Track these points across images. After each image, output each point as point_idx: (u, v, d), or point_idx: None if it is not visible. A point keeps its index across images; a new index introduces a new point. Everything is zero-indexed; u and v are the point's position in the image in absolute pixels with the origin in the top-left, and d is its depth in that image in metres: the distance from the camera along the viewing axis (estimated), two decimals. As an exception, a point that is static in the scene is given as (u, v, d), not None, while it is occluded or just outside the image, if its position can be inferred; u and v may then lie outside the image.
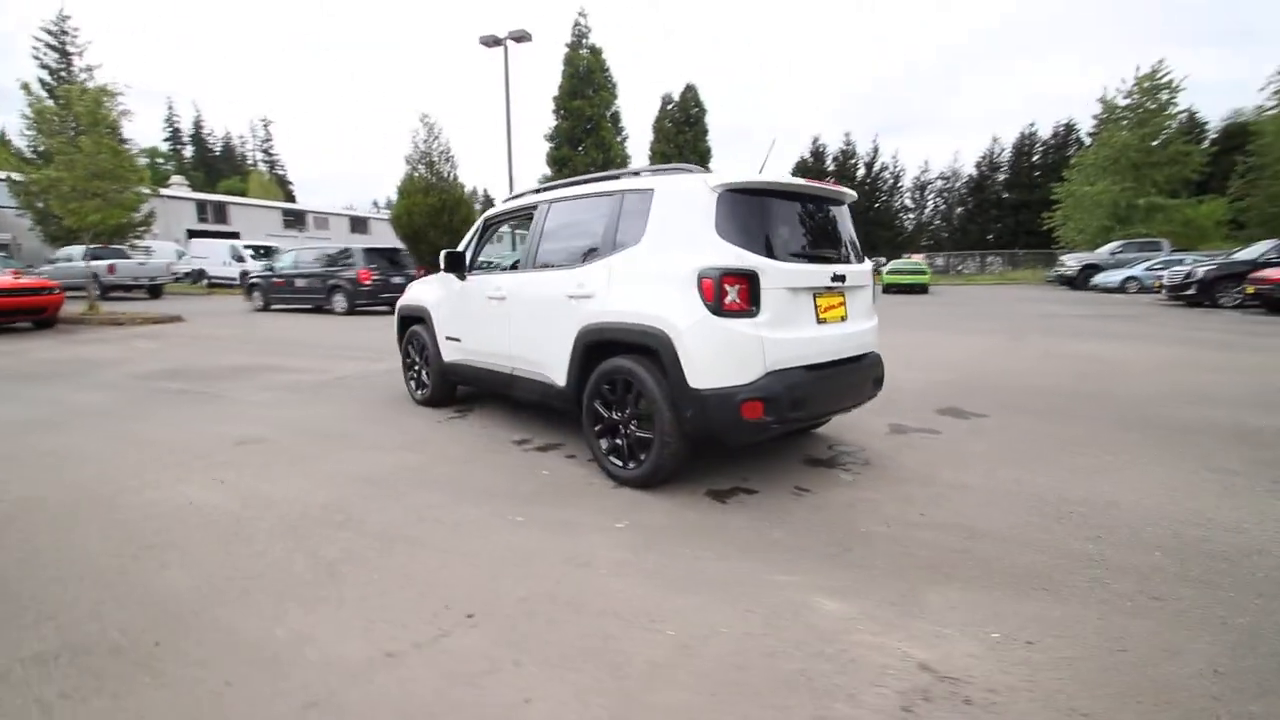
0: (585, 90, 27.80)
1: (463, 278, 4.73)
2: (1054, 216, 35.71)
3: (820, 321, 3.34)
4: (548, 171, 28.52)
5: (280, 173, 73.63)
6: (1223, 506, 3.15)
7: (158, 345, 9.69)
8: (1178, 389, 5.91)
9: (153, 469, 3.79)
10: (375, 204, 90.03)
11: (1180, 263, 19.89)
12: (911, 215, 57.48)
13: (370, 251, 15.46)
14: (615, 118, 29.23)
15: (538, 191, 4.46)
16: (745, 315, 3.02)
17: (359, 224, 54.22)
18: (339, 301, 14.95)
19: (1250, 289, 13.88)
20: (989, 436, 4.45)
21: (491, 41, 19.73)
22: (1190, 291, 16.06)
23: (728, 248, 3.06)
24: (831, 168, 58.91)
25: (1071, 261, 25.62)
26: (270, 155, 75.55)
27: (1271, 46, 68.61)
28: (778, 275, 3.10)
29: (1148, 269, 21.97)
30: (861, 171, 58.10)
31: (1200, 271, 15.86)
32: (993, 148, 52.95)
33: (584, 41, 29.07)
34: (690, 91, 36.20)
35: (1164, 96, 33.08)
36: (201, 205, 41.27)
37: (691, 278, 3.07)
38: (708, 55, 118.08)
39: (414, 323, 5.45)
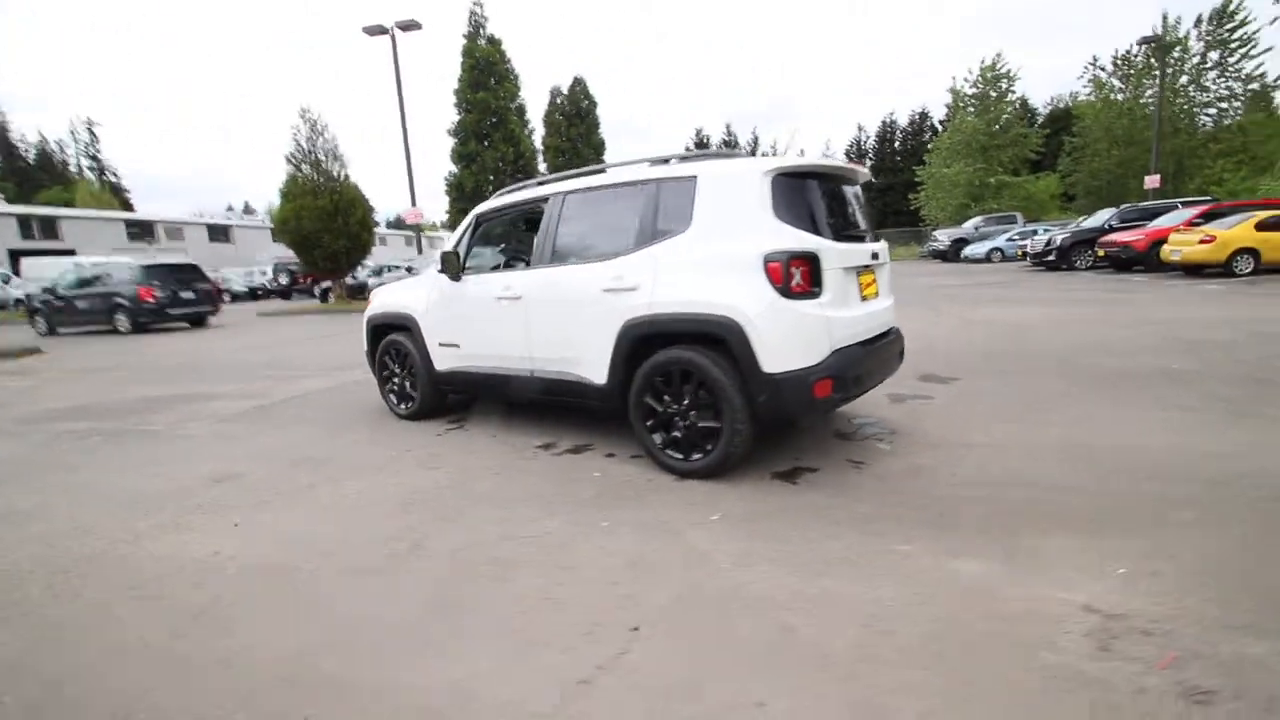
0: (487, 81, 26.63)
1: (457, 279, 4.42)
2: (919, 197, 39.22)
3: (863, 299, 3.46)
4: (454, 169, 27.19)
5: (113, 179, 64.78)
6: (1212, 437, 3.62)
7: (31, 382, 8.26)
8: (1088, 343, 6.68)
9: (135, 518, 3.23)
10: (232, 209, 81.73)
11: (1035, 233, 22.67)
12: (794, 200, 60.69)
13: (154, 268, 15.55)
14: (521, 110, 28.31)
15: (541, 184, 4.24)
16: (810, 297, 3.06)
17: (219, 232, 49.10)
18: (121, 321, 14.99)
19: (1101, 252, 16.01)
20: (974, 398, 4.81)
21: (376, 30, 18.48)
22: (1051, 257, 18.25)
23: (788, 230, 3.08)
24: (717, 157, 60.99)
25: (943, 236, 28.23)
26: (98, 161, 66.19)
27: (1085, 37, 79.12)
28: (834, 255, 3.16)
29: (1009, 240, 24.70)
30: (745, 160, 60.70)
31: (1059, 239, 18.06)
32: (859, 136, 57.09)
33: (482, 31, 27.92)
34: (579, 84, 35.94)
35: (1003, 85, 37.27)
36: (24, 220, 35.52)
37: (757, 262, 3.06)
38: (602, 47, 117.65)
39: (391, 332, 5.03)
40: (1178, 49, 30.08)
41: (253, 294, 31.98)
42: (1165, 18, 29.58)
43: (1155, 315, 8.34)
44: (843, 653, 1.89)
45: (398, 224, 64.35)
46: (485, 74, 26.43)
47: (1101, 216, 18.37)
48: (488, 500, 3.26)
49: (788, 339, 3.02)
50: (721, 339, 3.14)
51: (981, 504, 2.89)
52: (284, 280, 29.03)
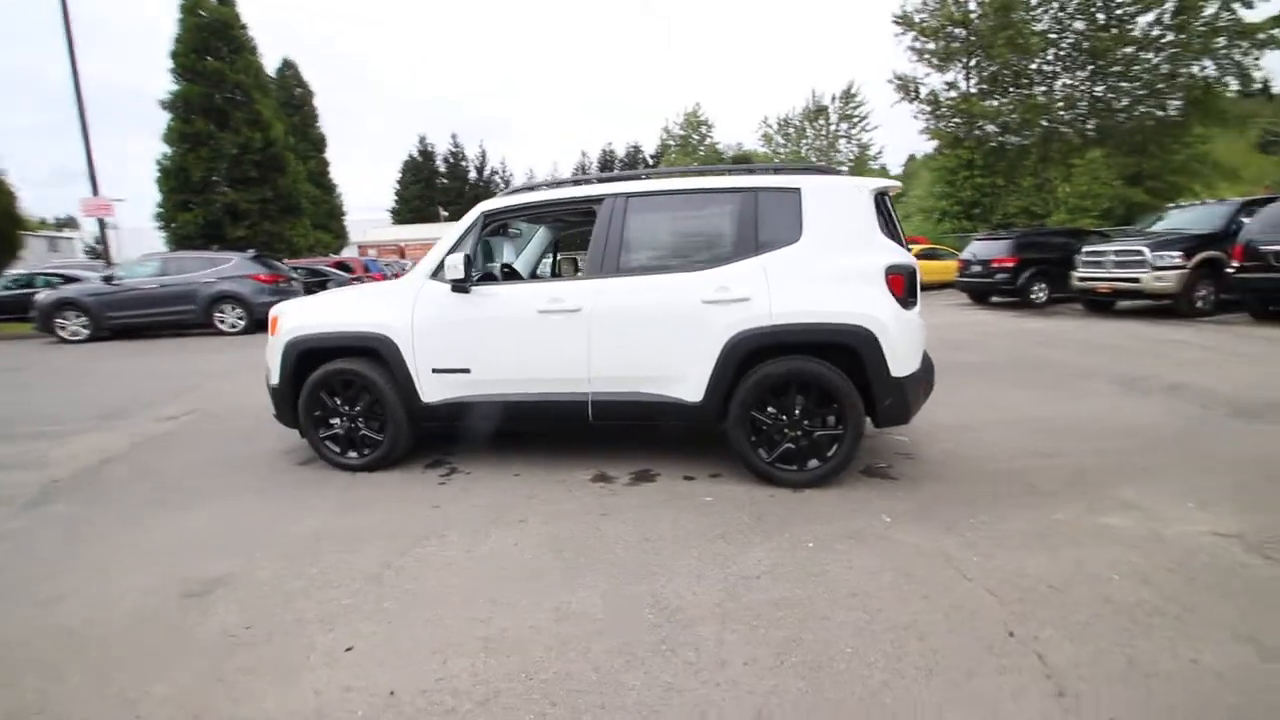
0: (218, 48, 20.74)
1: (466, 290, 3.61)
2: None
3: (914, 309, 3.92)
4: (167, 150, 20.58)
5: None
6: (1069, 405, 4.98)
7: None
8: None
9: (162, 668, 1.94)
10: None
11: None
12: (525, 218, 61.72)
13: None
14: (267, 89, 22.82)
15: (576, 183, 3.74)
16: (914, 306, 3.37)
17: None
18: None
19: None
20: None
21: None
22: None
23: (891, 244, 3.35)
24: (442, 168, 58.58)
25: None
26: None
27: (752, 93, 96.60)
28: (918, 268, 3.54)
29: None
30: (473, 174, 59.53)
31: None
32: (583, 160, 60.94)
33: (208, -18, 21.59)
34: (290, 69, 31.06)
35: (703, 130, 43.90)
36: None
37: (879, 274, 3.26)
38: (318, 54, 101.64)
39: (331, 359, 3.83)
40: (822, 118, 39.28)
41: None
42: (813, 92, 38.42)
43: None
44: (1176, 592, 2.21)
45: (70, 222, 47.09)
46: (217, 38, 20.63)
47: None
48: (649, 545, 2.80)
49: (908, 345, 3.29)
50: (850, 347, 3.25)
51: (1035, 473, 3.54)
52: None
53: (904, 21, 26.54)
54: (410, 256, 35.45)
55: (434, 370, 3.69)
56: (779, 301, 3.28)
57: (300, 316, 3.92)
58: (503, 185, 61.24)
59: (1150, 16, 22.61)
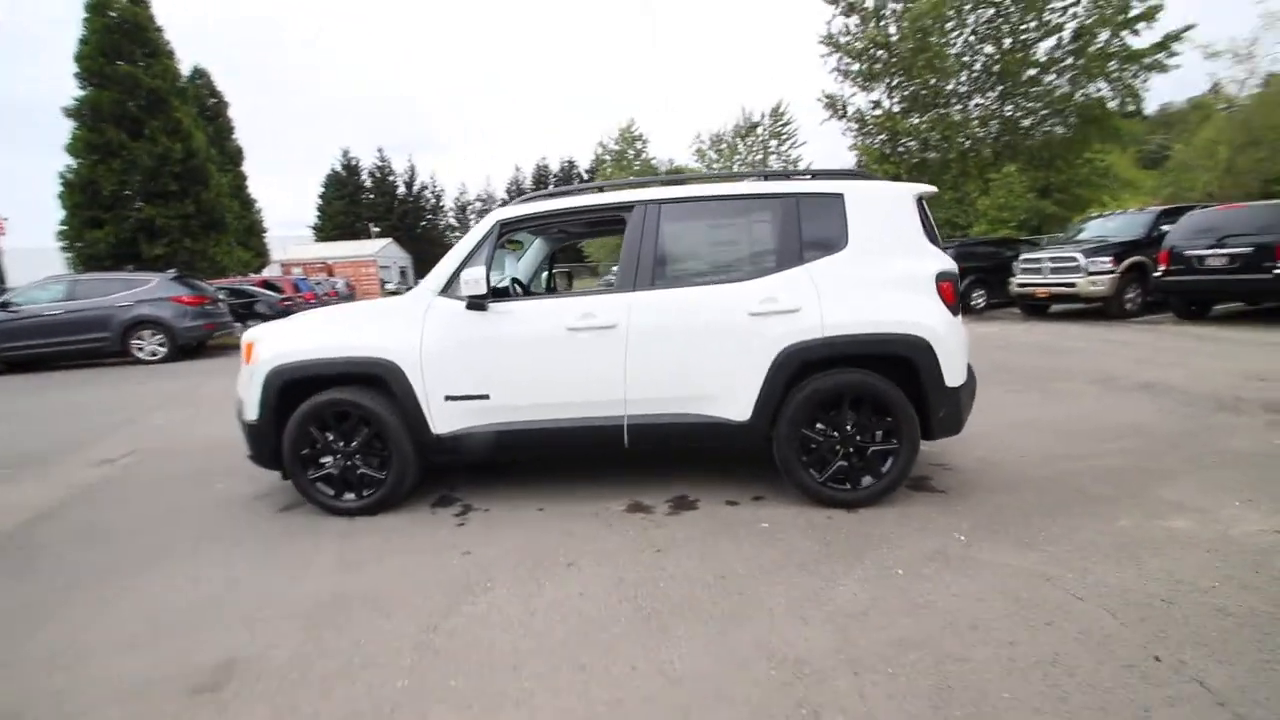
0: (131, 51, 18.69)
1: (484, 307, 3.25)
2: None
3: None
4: (71, 162, 18.32)
5: None
6: (1061, 408, 5.09)
7: None
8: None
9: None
10: None
11: None
12: (458, 233, 60.21)
13: None
14: (185, 95, 20.79)
15: (600, 190, 3.46)
16: (958, 313, 3.29)
17: None
18: None
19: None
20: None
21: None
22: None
23: (936, 250, 3.26)
24: (368, 183, 56.45)
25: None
26: None
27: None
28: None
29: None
30: (402, 189, 57.67)
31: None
32: (517, 175, 60.23)
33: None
34: (202, 78, 29.05)
35: (638, 145, 44.29)
36: None
37: (930, 282, 3.15)
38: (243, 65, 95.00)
39: (322, 388, 3.36)
40: (752, 135, 40.44)
41: None
42: (744, 109, 39.50)
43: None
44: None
45: None
46: (129, 40, 18.57)
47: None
48: (728, 584, 2.52)
49: (959, 354, 3.19)
50: (905, 358, 3.11)
51: (1078, 478, 3.52)
52: None
53: (830, 43, 27.75)
54: (339, 274, 33.75)
55: (447, 398, 3.29)
56: (831, 312, 3.11)
57: (282, 342, 3.43)
58: (433, 200, 59.71)
59: (1051, 41, 24.52)
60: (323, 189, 54.82)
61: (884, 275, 3.18)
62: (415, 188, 58.42)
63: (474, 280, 3.11)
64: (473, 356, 3.28)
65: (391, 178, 57.23)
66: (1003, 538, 2.81)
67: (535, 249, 4.76)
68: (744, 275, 3.25)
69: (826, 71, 28.02)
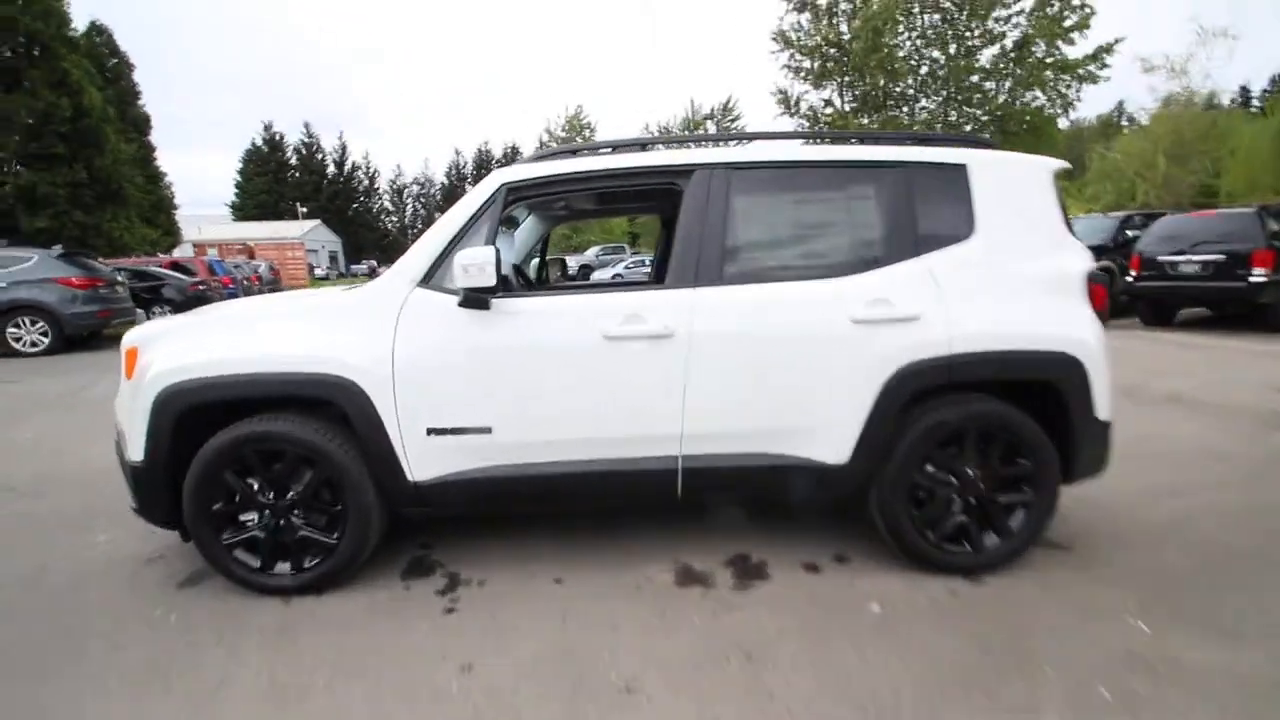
0: None
1: (487, 304, 2.30)
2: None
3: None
4: None
5: None
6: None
7: None
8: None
9: None
10: None
11: (643, 262, 26.91)
12: (394, 218, 57.15)
13: None
14: (76, 44, 17.77)
15: (643, 148, 2.56)
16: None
17: None
18: None
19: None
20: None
21: None
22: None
23: (1079, 243, 2.55)
24: (294, 160, 52.68)
25: (573, 262, 30.72)
26: None
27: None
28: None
29: (626, 267, 28.42)
30: (332, 169, 54.11)
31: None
32: (457, 159, 57.59)
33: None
34: (102, 35, 25.81)
35: (586, 134, 43.11)
36: None
37: (1079, 282, 2.44)
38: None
39: (257, 413, 2.34)
40: (701, 130, 39.97)
41: None
42: (692, 101, 38.97)
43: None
44: None
45: None
46: None
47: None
48: (882, 697, 1.72)
49: (1110, 374, 2.49)
50: (1050, 382, 2.39)
51: (1199, 524, 2.92)
52: None
53: (782, 39, 27.50)
54: (262, 257, 31.01)
55: (431, 431, 2.33)
56: (960, 321, 2.34)
57: (182, 349, 2.36)
58: (366, 182, 56.36)
59: (994, 49, 25.09)
60: (242, 165, 50.58)
61: (1021, 273, 2.44)
62: (346, 167, 54.90)
63: (477, 266, 2.15)
64: (469, 373, 2.33)
65: (320, 155, 53.55)
66: (1193, 624, 2.13)
67: (528, 230, 3.79)
68: (842, 269, 2.43)
69: (778, 68, 27.83)
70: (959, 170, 2.48)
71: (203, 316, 2.66)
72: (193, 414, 2.31)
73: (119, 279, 11.26)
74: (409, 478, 2.35)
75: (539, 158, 2.52)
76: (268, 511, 2.38)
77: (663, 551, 2.70)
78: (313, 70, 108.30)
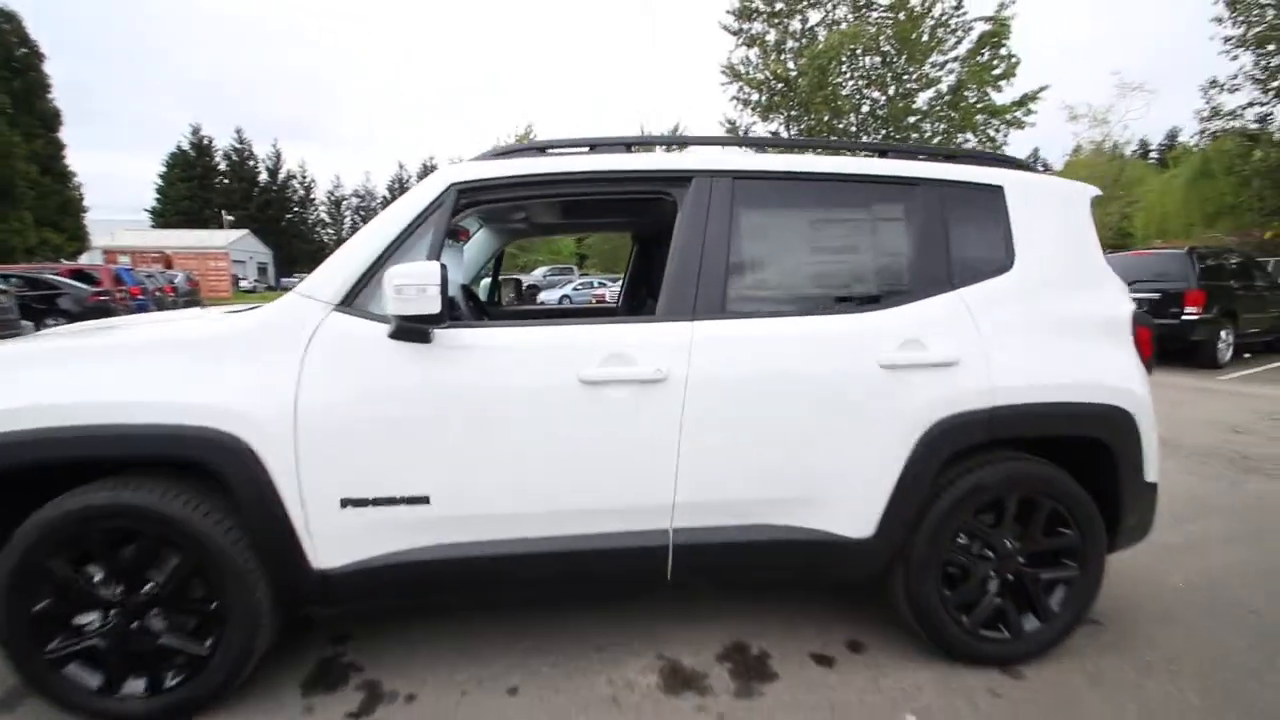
0: None
1: (427, 336, 1.77)
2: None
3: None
4: None
5: None
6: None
7: None
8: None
9: None
10: None
11: (593, 284, 26.63)
12: (330, 230, 54.77)
13: None
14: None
15: (629, 148, 2.09)
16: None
17: None
18: None
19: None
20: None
21: None
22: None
23: (1122, 282, 2.25)
24: (224, 166, 49.87)
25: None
26: None
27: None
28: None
29: (575, 288, 27.91)
30: (264, 176, 51.49)
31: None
32: (400, 173, 55.93)
33: None
34: (9, 22, 23.62)
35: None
36: None
37: (1125, 326, 2.13)
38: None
39: (96, 477, 1.71)
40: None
41: None
42: (642, 128, 39.23)
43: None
44: None
45: None
46: None
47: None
48: None
49: (1156, 431, 2.18)
50: (1098, 438, 2.05)
51: (1224, 585, 2.66)
52: None
53: (731, 72, 28.04)
54: (181, 267, 28.81)
55: (347, 502, 1.76)
56: (1002, 367, 1.98)
57: (-3, 387, 1.72)
58: (301, 191, 53.94)
59: (930, 93, 26.31)
60: (165, 169, 47.36)
61: (1066, 312, 2.10)
62: (280, 176, 52.34)
63: (415, 287, 1.62)
64: (401, 426, 1.78)
65: (252, 162, 50.86)
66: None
67: (479, 245, 3.26)
68: (867, 302, 2.04)
69: (727, 99, 28.29)
70: (995, 192, 2.14)
71: (39, 341, 2.01)
72: (5, 479, 1.67)
73: (4, 288, 9.93)
74: (313, 565, 1.77)
75: (499, 154, 2.02)
76: (114, 612, 1.75)
77: (642, 642, 2.20)
78: (251, 74, 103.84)
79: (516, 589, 2.12)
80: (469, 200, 1.95)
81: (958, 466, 2.01)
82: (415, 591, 1.90)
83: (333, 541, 1.77)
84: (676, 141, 2.29)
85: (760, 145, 2.30)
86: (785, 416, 1.91)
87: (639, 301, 3.60)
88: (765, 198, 2.06)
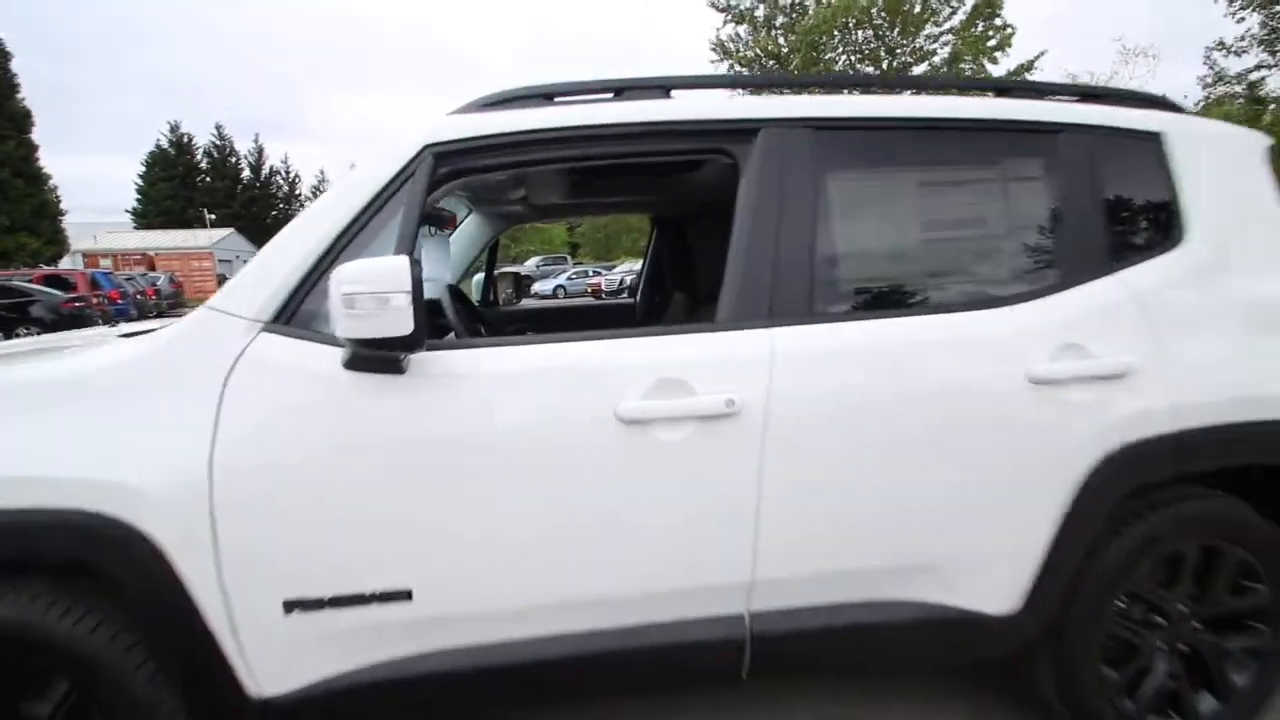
0: None
1: (400, 365, 1.23)
2: (466, 234, 40.52)
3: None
4: None
5: None
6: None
7: None
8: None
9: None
10: None
11: (587, 273, 26.17)
12: (317, 227, 53.73)
13: None
14: None
15: (667, 93, 1.53)
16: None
17: None
18: None
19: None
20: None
21: None
22: (624, 295, 20.91)
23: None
24: (205, 164, 48.73)
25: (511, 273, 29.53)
26: None
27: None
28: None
29: (569, 278, 27.37)
30: (247, 173, 50.32)
31: (628, 280, 20.86)
32: (386, 166, 54.75)
33: None
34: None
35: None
36: None
37: (1333, 312, 1.61)
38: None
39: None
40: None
41: None
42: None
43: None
44: None
45: None
46: None
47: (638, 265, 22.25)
48: None
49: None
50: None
51: None
52: None
53: (721, 50, 27.26)
54: (164, 269, 28.03)
55: (292, 605, 1.23)
56: (1187, 375, 1.46)
57: None
58: (286, 188, 52.89)
59: (925, 67, 25.66)
60: (145, 168, 46.11)
61: (1255, 300, 1.58)
62: (264, 173, 51.16)
63: (374, 295, 1.09)
64: (366, 493, 1.25)
65: (234, 159, 49.63)
66: None
67: (468, 234, 2.69)
68: (1003, 294, 1.50)
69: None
70: (1153, 141, 1.60)
71: None
72: None
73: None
74: (249, 692, 1.24)
75: (488, 103, 1.46)
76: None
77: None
78: (230, 70, 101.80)
79: (538, 701, 1.59)
80: (451, 168, 1.39)
81: (1125, 509, 1.49)
82: (398, 713, 1.38)
83: (276, 659, 1.25)
84: (746, 83, 1.74)
85: (841, 85, 1.74)
86: (902, 458, 1.39)
87: (663, 299, 3.04)
88: (857, 154, 1.52)
